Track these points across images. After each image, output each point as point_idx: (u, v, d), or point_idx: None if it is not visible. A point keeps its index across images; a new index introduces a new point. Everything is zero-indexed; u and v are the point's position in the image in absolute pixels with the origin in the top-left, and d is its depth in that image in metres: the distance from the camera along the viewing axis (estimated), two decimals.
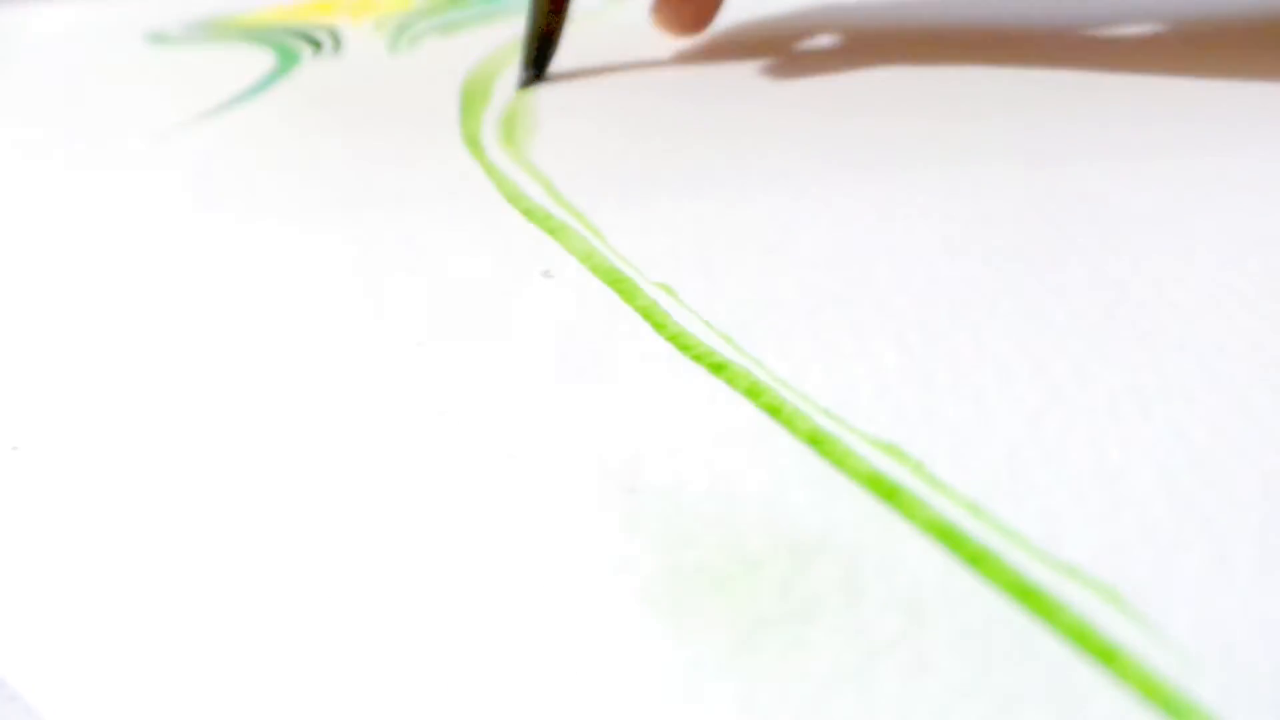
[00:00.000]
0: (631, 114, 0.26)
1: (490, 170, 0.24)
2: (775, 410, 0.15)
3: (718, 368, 0.16)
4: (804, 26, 0.31)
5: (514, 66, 0.30)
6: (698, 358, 0.17)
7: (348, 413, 0.16)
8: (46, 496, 0.15)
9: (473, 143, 0.26)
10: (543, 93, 0.28)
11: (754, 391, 0.16)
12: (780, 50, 0.29)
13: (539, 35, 0.28)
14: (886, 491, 0.14)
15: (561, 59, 0.29)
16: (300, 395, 0.17)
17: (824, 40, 0.30)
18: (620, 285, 0.19)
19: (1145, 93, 0.24)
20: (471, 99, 0.28)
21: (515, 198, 0.22)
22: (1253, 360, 0.15)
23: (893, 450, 0.14)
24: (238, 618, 0.13)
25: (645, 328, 0.18)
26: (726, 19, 0.32)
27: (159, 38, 0.37)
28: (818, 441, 0.15)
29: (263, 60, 0.33)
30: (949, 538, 0.13)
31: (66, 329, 0.19)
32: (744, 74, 0.28)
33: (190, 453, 0.16)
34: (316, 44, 0.35)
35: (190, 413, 0.17)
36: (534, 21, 0.28)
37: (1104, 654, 0.11)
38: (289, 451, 0.16)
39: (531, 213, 0.22)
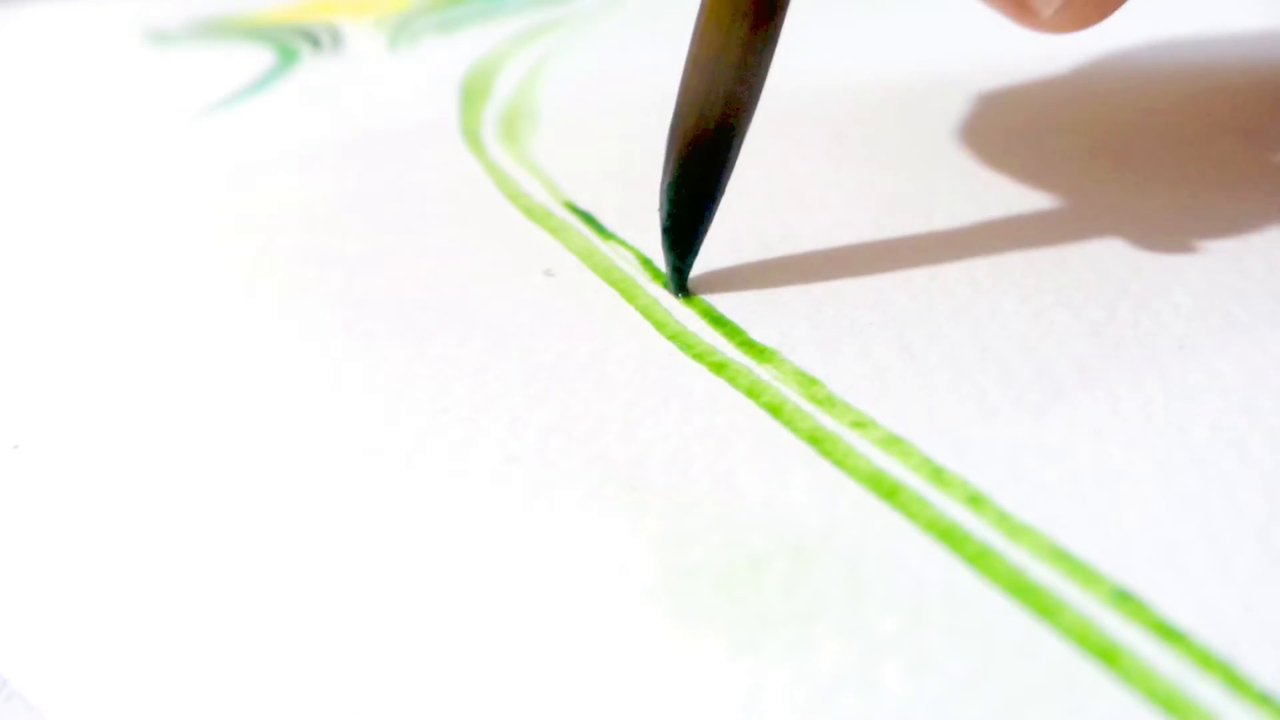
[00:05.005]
0: (632, 112, 0.26)
1: (490, 168, 0.24)
2: (776, 409, 0.15)
3: (718, 367, 0.16)
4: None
5: (513, 64, 0.30)
6: (698, 356, 0.17)
7: (346, 412, 0.16)
8: (46, 496, 0.15)
9: (473, 140, 0.26)
10: (543, 92, 0.28)
11: (754, 390, 0.16)
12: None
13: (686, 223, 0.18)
14: (888, 491, 0.14)
15: (571, 71, 0.29)
16: (298, 394, 0.17)
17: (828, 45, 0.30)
18: (621, 284, 0.19)
19: (1144, 94, 0.24)
20: (472, 96, 0.28)
21: (515, 196, 0.22)
22: (1254, 360, 0.15)
23: (897, 444, 0.14)
24: (238, 618, 0.13)
25: (645, 326, 0.18)
26: None
27: (159, 36, 0.37)
28: (819, 440, 0.15)
29: (263, 58, 0.33)
30: (950, 537, 0.13)
31: (66, 329, 0.19)
32: None
33: (191, 453, 0.16)
34: (316, 42, 0.34)
35: (190, 413, 0.17)
36: (674, 207, 0.18)
37: (1106, 653, 0.11)
38: (287, 451, 0.16)
39: (532, 211, 0.22)
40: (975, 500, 0.14)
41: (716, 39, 0.16)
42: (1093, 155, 0.22)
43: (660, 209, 0.18)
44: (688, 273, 0.18)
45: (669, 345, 0.17)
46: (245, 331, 0.19)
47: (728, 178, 0.17)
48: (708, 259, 0.19)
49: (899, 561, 0.13)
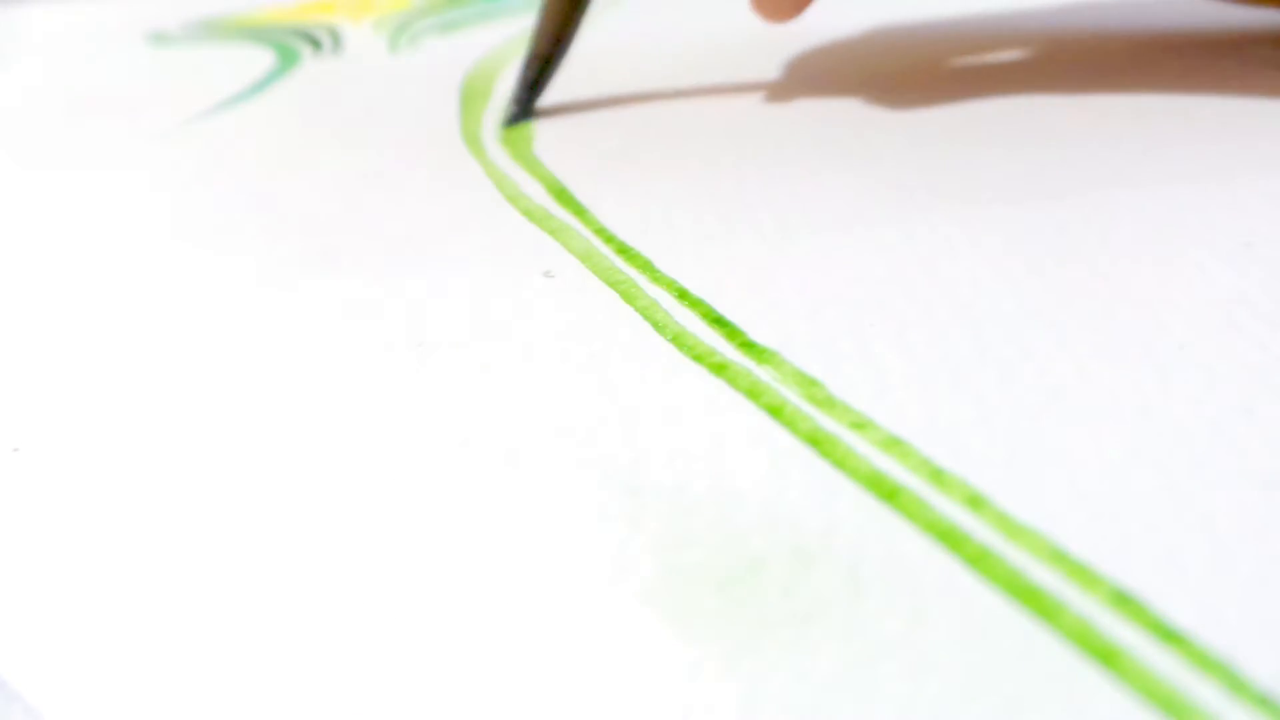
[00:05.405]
0: (632, 113, 0.26)
1: (490, 169, 0.24)
2: (776, 410, 0.15)
3: (718, 368, 0.16)
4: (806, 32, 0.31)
5: (514, 65, 0.30)
6: (698, 358, 0.17)
7: (346, 414, 0.16)
8: (46, 497, 0.15)
9: (473, 142, 0.26)
10: (544, 93, 0.28)
11: (754, 392, 0.16)
12: (783, 52, 0.29)
13: (539, 60, 0.27)
14: (887, 492, 0.14)
15: (570, 71, 0.29)
16: (298, 395, 0.17)
17: (827, 44, 0.30)
18: (621, 285, 0.19)
19: (1145, 94, 0.24)
20: (471, 98, 0.28)
21: (515, 197, 0.22)
22: (1254, 360, 0.15)
23: (897, 445, 0.14)
24: (238, 619, 0.13)
25: (645, 327, 0.18)
26: (730, 20, 0.32)
27: (159, 37, 0.37)
28: (818, 441, 0.15)
29: (263, 59, 0.33)
30: (950, 538, 0.13)
31: (66, 330, 0.19)
32: (746, 73, 0.28)
33: (190, 454, 0.16)
34: (316, 43, 0.35)
35: (190, 414, 0.17)
36: (535, 45, 0.27)
37: (1106, 655, 0.11)
38: (287, 452, 0.16)
39: (531, 212, 0.22)
40: (975, 501, 0.13)
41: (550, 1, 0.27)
42: (1091, 153, 0.22)
43: (516, 89, 0.27)
44: (524, 118, 0.27)
45: (669, 346, 0.17)
46: (245, 334, 0.19)
47: (553, 76, 0.27)
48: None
49: (899, 562, 0.13)
